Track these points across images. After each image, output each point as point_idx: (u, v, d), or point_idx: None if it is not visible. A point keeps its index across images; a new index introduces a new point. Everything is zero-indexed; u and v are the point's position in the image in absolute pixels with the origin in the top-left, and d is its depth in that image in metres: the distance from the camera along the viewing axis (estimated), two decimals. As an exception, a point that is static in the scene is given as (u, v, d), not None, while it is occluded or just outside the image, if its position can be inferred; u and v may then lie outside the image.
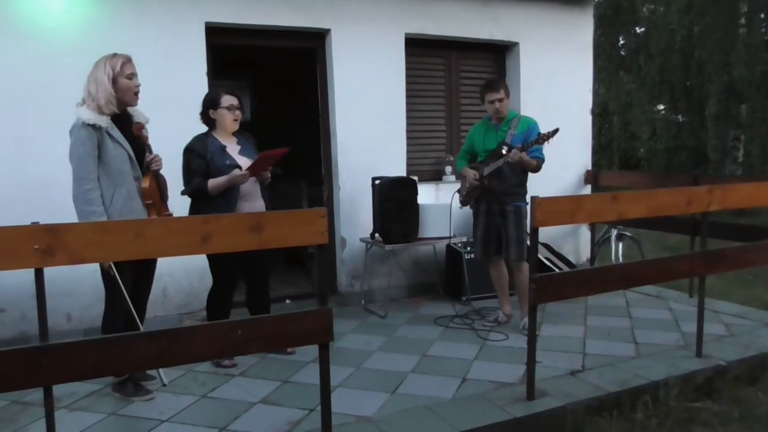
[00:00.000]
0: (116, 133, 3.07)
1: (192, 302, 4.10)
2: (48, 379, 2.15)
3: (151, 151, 3.25)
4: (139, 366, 2.64)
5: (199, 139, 3.62)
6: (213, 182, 3.51)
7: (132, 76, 3.11)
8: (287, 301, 5.01)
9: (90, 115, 2.97)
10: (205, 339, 2.34)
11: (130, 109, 3.21)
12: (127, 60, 3.11)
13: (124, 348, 2.23)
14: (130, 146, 3.12)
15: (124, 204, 3.07)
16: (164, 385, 3.36)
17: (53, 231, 2.13)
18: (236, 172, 3.52)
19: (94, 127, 2.97)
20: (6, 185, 3.91)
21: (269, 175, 3.75)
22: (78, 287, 4.00)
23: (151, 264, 3.33)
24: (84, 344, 2.25)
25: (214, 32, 4.56)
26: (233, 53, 5.62)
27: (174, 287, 4.44)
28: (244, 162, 3.61)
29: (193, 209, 3.62)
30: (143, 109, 4.19)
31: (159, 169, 3.28)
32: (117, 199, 3.05)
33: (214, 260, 3.65)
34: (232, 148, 3.67)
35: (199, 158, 3.55)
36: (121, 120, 3.13)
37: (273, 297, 4.85)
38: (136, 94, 3.15)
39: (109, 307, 3.16)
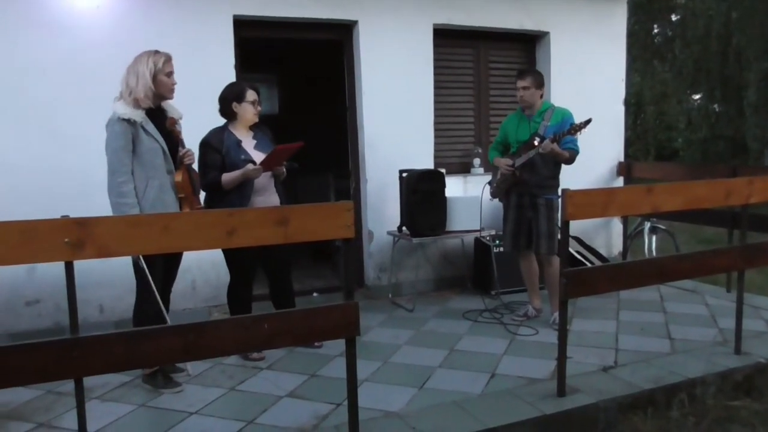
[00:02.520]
0: (150, 127, 3.14)
1: (220, 295, 4.13)
2: (79, 371, 2.17)
3: (183, 146, 3.31)
4: (167, 359, 2.65)
5: (215, 133, 3.64)
6: (227, 177, 3.52)
7: (170, 74, 3.20)
8: (314, 295, 5.02)
9: (125, 110, 3.04)
10: (232, 333, 2.34)
11: (164, 105, 3.29)
12: (168, 59, 3.20)
13: (153, 341, 2.24)
14: (164, 140, 3.19)
15: (157, 196, 3.12)
16: (189, 375, 3.40)
17: (83, 224, 2.14)
18: (249, 166, 3.51)
19: (129, 122, 3.04)
20: (39, 177, 3.98)
21: (284, 170, 3.74)
22: (110, 279, 4.05)
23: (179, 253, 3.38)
24: (113, 337, 2.27)
25: (243, 25, 4.56)
26: (261, 48, 5.62)
27: (202, 280, 4.48)
28: (259, 156, 3.60)
29: (208, 203, 3.64)
30: (174, 103, 4.25)
31: (191, 163, 3.34)
32: (150, 191, 3.11)
33: (230, 255, 3.66)
34: (248, 143, 3.67)
35: (215, 152, 3.57)
36: (156, 115, 3.21)
37: (300, 290, 4.89)
38: (173, 91, 3.25)
39: (141, 298, 3.21)
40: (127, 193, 3.03)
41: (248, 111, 3.65)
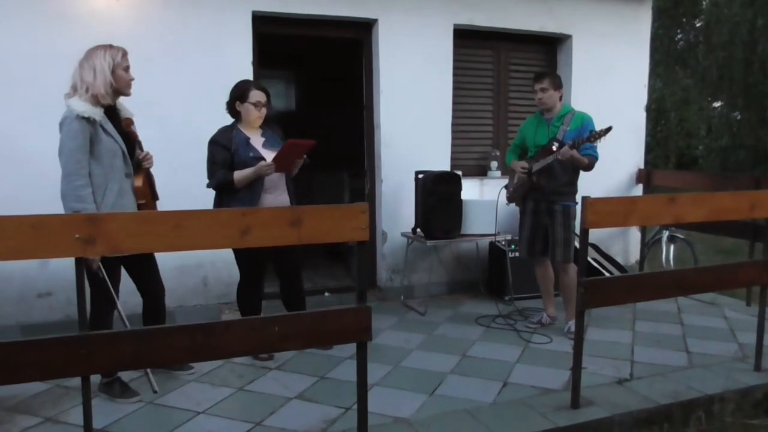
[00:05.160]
0: (110, 126, 2.97)
1: (231, 293, 4.11)
2: (86, 369, 2.15)
3: (142, 148, 3.16)
4: (174, 358, 2.62)
5: (224, 131, 3.58)
6: (239, 174, 3.45)
7: (128, 68, 3.05)
8: (326, 294, 4.97)
9: (84, 107, 2.85)
10: (242, 334, 2.31)
11: (117, 104, 3.12)
12: (125, 53, 3.05)
13: (161, 340, 2.21)
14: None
15: (115, 201, 2.96)
16: (155, 392, 3.16)
17: (94, 220, 2.12)
18: (262, 163, 3.44)
19: (88, 120, 2.85)
20: (58, 166, 3.97)
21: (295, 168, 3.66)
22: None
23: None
24: (121, 335, 2.24)
25: (261, 21, 4.53)
26: (280, 45, 5.60)
27: (214, 277, 4.46)
28: (268, 154, 3.53)
29: (217, 202, 3.59)
30: (189, 97, 4.23)
31: (150, 167, 3.21)
32: (109, 195, 2.94)
33: (240, 254, 3.61)
34: (256, 140, 3.61)
35: (224, 150, 3.50)
36: (111, 114, 3.03)
37: (312, 289, 4.86)
38: (131, 86, 3.09)
39: (97, 307, 2.99)
40: (85, 197, 2.84)
41: (251, 112, 3.55)
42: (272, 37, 4.73)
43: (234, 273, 3.81)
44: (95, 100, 2.92)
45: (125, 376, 3.21)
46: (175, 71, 4.22)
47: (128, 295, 3.30)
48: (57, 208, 2.89)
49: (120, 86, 3.00)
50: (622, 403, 3.04)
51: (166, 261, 3.46)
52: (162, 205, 3.27)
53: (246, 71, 4.35)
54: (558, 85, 4.07)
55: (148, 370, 3.20)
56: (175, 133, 4.08)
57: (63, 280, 3.96)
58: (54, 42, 3.96)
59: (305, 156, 3.61)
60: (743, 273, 3.47)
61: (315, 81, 7.55)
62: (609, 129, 3.74)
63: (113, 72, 2.95)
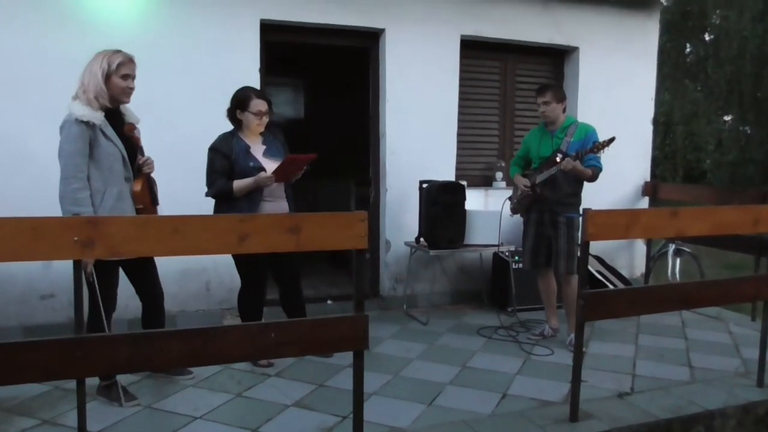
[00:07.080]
0: (110, 131, 2.98)
1: (234, 298, 4.10)
2: (81, 372, 2.15)
3: (143, 153, 3.18)
4: (171, 363, 2.63)
5: (224, 139, 3.56)
6: (238, 184, 3.44)
7: (126, 77, 3.00)
8: (328, 302, 4.97)
9: (84, 111, 2.87)
10: (238, 340, 2.31)
11: (123, 109, 3.13)
12: (127, 60, 3.00)
13: (157, 344, 2.22)
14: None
15: (114, 205, 2.96)
16: (120, 406, 3.05)
17: (93, 223, 2.14)
18: (262, 174, 3.43)
19: (87, 124, 2.87)
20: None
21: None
22: (123, 277, 4.05)
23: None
24: (118, 339, 2.24)
25: (269, 29, 4.56)
26: (290, 53, 5.63)
27: (217, 282, 4.47)
28: (268, 163, 3.53)
29: (216, 210, 3.58)
30: (196, 104, 4.25)
31: (151, 172, 3.21)
32: (107, 199, 2.95)
33: (240, 261, 3.61)
34: (257, 149, 3.60)
35: (224, 159, 3.49)
36: (114, 118, 3.04)
37: (315, 297, 4.86)
38: (128, 94, 3.05)
39: (94, 311, 2.98)
40: (82, 200, 2.85)
41: (251, 121, 3.53)
42: (280, 45, 4.76)
43: (237, 278, 3.82)
44: (90, 103, 2.92)
45: (124, 380, 3.22)
46: (183, 78, 4.25)
47: (128, 299, 3.31)
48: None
49: (114, 93, 2.98)
50: (621, 417, 3.02)
51: (169, 265, 3.46)
52: (167, 210, 3.28)
53: (253, 79, 4.37)
54: (561, 97, 4.07)
55: (119, 382, 3.09)
56: (182, 139, 4.10)
57: (66, 282, 3.92)
58: (63, 45, 3.99)
59: (307, 166, 3.62)
60: (747, 287, 3.44)
61: (323, 89, 7.58)
62: (612, 140, 3.74)
63: (108, 78, 2.94)
